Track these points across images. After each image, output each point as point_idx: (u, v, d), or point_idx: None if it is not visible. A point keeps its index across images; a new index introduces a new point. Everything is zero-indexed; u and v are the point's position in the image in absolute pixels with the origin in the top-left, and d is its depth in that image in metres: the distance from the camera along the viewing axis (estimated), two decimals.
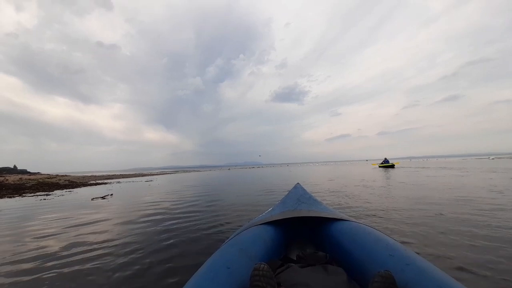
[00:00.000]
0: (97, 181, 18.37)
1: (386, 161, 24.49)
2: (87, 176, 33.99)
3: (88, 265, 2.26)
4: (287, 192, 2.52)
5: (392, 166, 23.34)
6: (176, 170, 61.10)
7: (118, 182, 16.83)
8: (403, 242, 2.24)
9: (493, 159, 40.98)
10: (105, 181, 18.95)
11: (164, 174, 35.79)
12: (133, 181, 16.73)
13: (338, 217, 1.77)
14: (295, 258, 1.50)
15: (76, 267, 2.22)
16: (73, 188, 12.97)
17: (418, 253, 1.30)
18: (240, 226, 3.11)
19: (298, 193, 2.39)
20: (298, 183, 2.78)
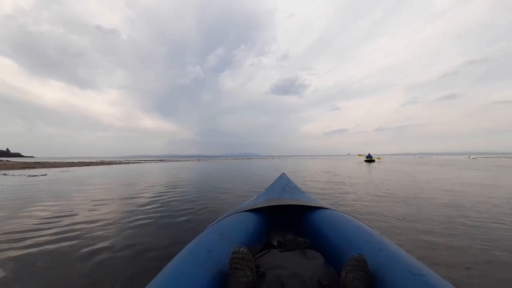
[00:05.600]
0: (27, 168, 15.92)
1: (369, 156, 28.64)
2: (54, 162, 31.93)
3: None
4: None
5: (373, 161, 27.16)
6: (138, 160, 54.71)
7: (30, 175, 14.30)
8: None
9: (474, 158, 40.78)
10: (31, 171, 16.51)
11: (121, 163, 33.36)
12: (28, 175, 14.14)
13: (319, 206, 1.90)
14: (276, 244, 1.51)
15: None
16: None
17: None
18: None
19: (283, 182, 2.56)
20: (283, 173, 3.00)
